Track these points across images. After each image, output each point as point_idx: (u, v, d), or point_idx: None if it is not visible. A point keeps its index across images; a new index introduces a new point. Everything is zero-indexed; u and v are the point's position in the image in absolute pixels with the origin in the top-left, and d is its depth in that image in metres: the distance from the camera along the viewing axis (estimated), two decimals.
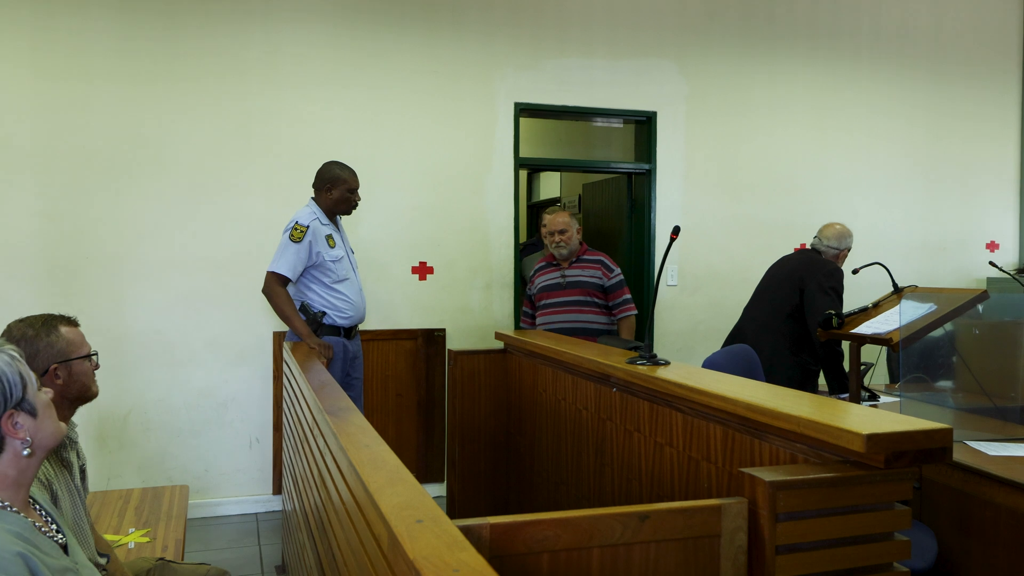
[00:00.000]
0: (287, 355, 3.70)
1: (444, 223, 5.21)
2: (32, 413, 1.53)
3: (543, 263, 4.82)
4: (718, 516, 1.61)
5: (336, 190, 4.09)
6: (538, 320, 4.70)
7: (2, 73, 4.48)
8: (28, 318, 2.10)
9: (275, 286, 4.01)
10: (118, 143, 4.66)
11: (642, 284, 5.80)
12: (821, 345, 4.12)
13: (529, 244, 6.90)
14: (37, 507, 1.62)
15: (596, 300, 4.59)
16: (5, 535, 1.41)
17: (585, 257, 4.69)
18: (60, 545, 1.58)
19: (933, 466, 2.86)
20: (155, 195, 4.73)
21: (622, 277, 4.66)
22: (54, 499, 1.93)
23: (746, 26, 5.87)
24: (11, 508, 1.49)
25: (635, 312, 4.64)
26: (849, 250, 4.45)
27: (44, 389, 1.60)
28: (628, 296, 4.64)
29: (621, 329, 4.63)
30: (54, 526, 1.62)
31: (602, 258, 4.70)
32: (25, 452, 1.51)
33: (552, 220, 4.68)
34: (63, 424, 1.63)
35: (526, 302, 4.87)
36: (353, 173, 4.14)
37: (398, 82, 5.13)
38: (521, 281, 5.73)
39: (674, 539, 1.58)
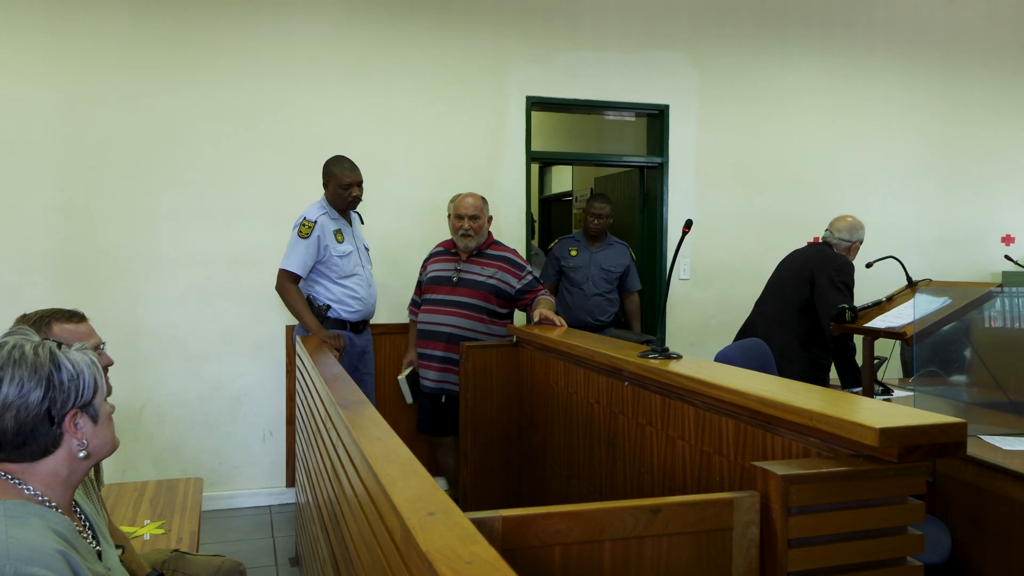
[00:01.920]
0: (300, 348, 3.71)
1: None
2: (94, 419, 1.56)
3: (440, 248, 4.30)
4: (730, 510, 1.61)
5: (331, 185, 4.11)
6: (420, 316, 4.20)
7: (18, 69, 4.51)
8: (30, 314, 2.08)
9: (286, 283, 4.04)
10: (132, 138, 4.68)
11: (654, 278, 5.79)
12: (833, 339, 4.10)
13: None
14: (78, 511, 1.64)
15: (490, 307, 4.03)
16: (48, 532, 1.42)
17: (489, 252, 4.10)
18: (95, 552, 1.60)
19: (947, 460, 2.85)
20: (169, 189, 4.75)
21: (535, 274, 4.18)
22: None
23: (759, 18, 5.84)
24: (56, 508, 1.51)
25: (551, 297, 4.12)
26: (861, 242, 4.42)
27: (108, 402, 1.63)
28: (544, 293, 4.09)
29: (539, 305, 3.97)
30: (91, 531, 1.64)
31: (508, 254, 4.13)
32: (81, 454, 1.53)
33: (461, 202, 4.09)
34: (118, 438, 1.66)
35: (416, 290, 4.34)
36: (348, 168, 4.11)
37: (410, 75, 5.13)
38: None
39: (686, 532, 1.58)
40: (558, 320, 3.80)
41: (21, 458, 1.49)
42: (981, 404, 3.47)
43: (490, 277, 4.02)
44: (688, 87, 5.72)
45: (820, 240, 4.58)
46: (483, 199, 4.13)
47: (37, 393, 1.46)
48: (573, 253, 5.16)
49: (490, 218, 4.20)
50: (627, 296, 5.30)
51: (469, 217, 4.03)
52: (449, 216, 4.20)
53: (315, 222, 4.02)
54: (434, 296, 4.11)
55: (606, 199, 5.32)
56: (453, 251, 4.16)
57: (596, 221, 5.18)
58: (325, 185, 4.14)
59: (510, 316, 4.17)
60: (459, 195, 4.20)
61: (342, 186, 4.08)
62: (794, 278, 4.30)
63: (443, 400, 4.13)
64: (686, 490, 2.32)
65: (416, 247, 5.17)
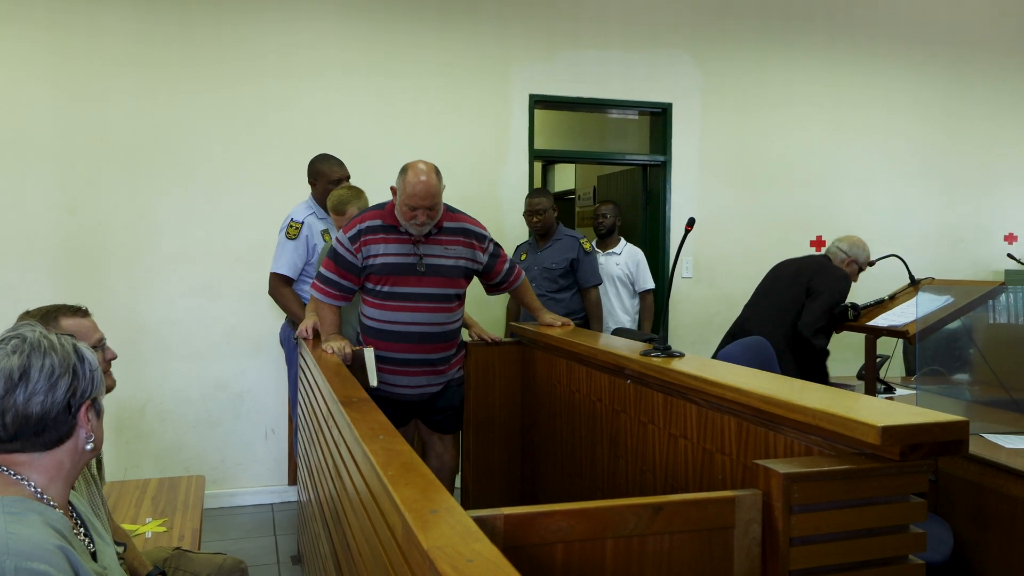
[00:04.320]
0: (302, 347, 3.71)
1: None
2: (99, 413, 1.59)
3: (376, 221, 3.28)
4: (732, 508, 1.61)
5: (319, 184, 4.10)
6: (378, 312, 3.29)
7: (21, 67, 4.51)
8: (33, 311, 2.09)
9: (280, 287, 4.04)
10: (136, 136, 4.69)
11: (657, 276, 5.78)
12: (806, 342, 3.98)
13: None
14: (72, 511, 1.64)
15: (459, 291, 3.35)
16: (47, 528, 1.43)
17: (447, 226, 3.32)
18: (90, 553, 1.60)
19: (949, 459, 2.84)
20: (172, 187, 4.76)
21: (494, 240, 3.50)
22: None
23: (763, 18, 5.83)
24: (54, 506, 1.52)
25: (524, 277, 3.66)
26: (858, 264, 4.28)
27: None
28: (510, 261, 3.56)
29: (524, 295, 3.66)
30: (83, 529, 1.64)
31: (466, 224, 3.38)
32: (88, 446, 1.55)
33: (414, 190, 3.11)
34: None
35: (337, 270, 3.30)
36: (335, 165, 4.10)
37: (413, 74, 5.13)
38: None
39: (688, 531, 1.58)
40: (563, 319, 3.72)
41: (34, 447, 1.49)
42: (984, 402, 3.46)
43: (458, 259, 3.30)
44: (691, 86, 5.71)
45: (823, 242, 4.50)
46: (436, 171, 3.20)
47: (64, 382, 1.49)
48: (523, 258, 4.86)
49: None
50: (583, 293, 4.77)
51: (425, 209, 3.15)
52: (393, 190, 3.27)
53: (302, 223, 4.02)
54: (397, 289, 3.25)
55: (541, 192, 4.87)
56: (401, 230, 3.25)
57: (536, 219, 4.74)
58: (312, 184, 4.14)
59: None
60: (408, 168, 3.19)
61: (331, 182, 4.07)
62: (791, 284, 4.21)
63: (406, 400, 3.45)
64: (688, 488, 2.32)
65: None
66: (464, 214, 3.42)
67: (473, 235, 3.37)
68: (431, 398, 3.48)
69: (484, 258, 3.41)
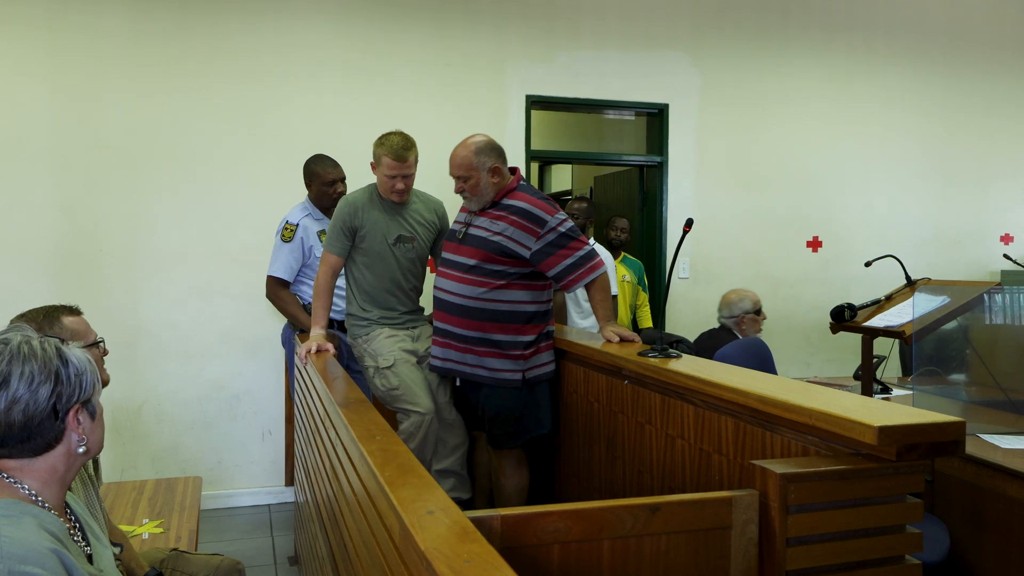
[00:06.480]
0: (298, 348, 3.71)
1: (455, 216, 5.19)
2: (92, 415, 1.57)
3: None
4: (729, 508, 1.61)
5: (313, 185, 4.10)
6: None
7: (18, 68, 4.51)
8: (29, 312, 2.10)
9: (276, 290, 4.04)
10: (132, 137, 4.68)
11: (654, 277, 5.79)
12: None
13: None
14: (68, 512, 1.64)
15: (495, 267, 3.09)
16: (41, 531, 1.42)
17: (504, 202, 3.14)
18: (86, 555, 1.60)
19: (946, 459, 2.85)
20: (169, 188, 4.75)
21: (564, 229, 3.06)
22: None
23: (760, 18, 5.84)
24: (49, 509, 1.51)
25: (599, 273, 3.11)
26: (748, 314, 4.15)
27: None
28: (584, 252, 3.07)
29: (591, 299, 3.19)
30: (80, 532, 1.64)
31: (527, 205, 3.09)
32: (81, 450, 1.54)
33: (452, 156, 3.23)
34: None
35: None
36: (330, 165, 4.09)
37: (410, 74, 5.13)
38: None
39: (685, 531, 1.58)
40: (628, 334, 3.06)
41: (23, 454, 1.49)
42: (980, 403, 3.47)
43: (498, 234, 3.08)
44: (688, 86, 5.72)
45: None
46: (477, 146, 3.18)
47: (46, 388, 1.47)
48: None
49: (493, 168, 3.14)
50: None
51: (460, 179, 3.20)
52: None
53: (297, 225, 4.02)
54: (444, 255, 3.29)
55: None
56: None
57: None
58: (308, 186, 4.14)
59: (532, 276, 3.14)
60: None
61: (325, 183, 4.07)
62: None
63: (457, 383, 3.32)
64: (685, 489, 2.32)
65: None
66: (537, 198, 3.15)
67: (530, 216, 3.06)
68: (469, 392, 3.26)
69: (534, 244, 3.04)
